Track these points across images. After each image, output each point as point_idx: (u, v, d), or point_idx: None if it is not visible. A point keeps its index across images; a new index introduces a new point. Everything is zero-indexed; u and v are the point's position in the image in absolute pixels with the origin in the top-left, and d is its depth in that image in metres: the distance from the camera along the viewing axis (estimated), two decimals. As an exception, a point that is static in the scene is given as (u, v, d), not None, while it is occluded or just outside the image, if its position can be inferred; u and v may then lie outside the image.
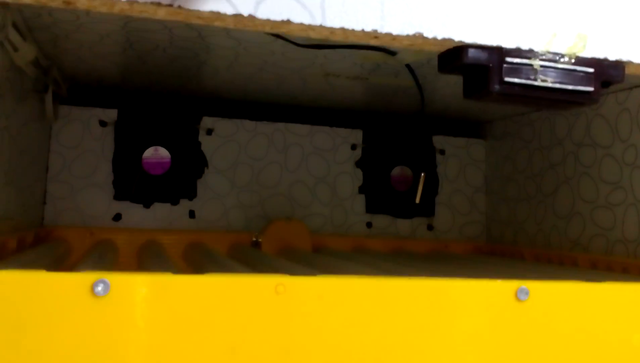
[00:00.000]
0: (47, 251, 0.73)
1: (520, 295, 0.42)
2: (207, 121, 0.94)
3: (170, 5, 0.32)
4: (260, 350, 0.37)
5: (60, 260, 0.77)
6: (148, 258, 0.72)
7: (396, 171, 1.03)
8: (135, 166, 0.90)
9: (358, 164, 1.02)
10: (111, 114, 0.90)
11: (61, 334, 0.34)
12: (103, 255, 0.72)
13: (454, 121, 1.07)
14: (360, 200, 1.01)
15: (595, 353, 0.44)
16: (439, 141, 1.05)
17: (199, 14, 0.33)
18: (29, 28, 0.63)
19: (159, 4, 0.32)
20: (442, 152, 1.05)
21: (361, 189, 1.01)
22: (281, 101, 0.97)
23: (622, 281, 0.62)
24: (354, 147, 1.02)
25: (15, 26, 0.58)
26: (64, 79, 0.81)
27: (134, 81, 0.87)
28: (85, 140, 0.89)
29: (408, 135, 1.04)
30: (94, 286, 0.34)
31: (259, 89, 0.89)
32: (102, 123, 0.90)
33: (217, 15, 0.33)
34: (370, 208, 1.02)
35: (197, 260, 0.78)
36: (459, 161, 1.06)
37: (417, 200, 0.75)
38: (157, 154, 0.91)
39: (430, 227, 1.04)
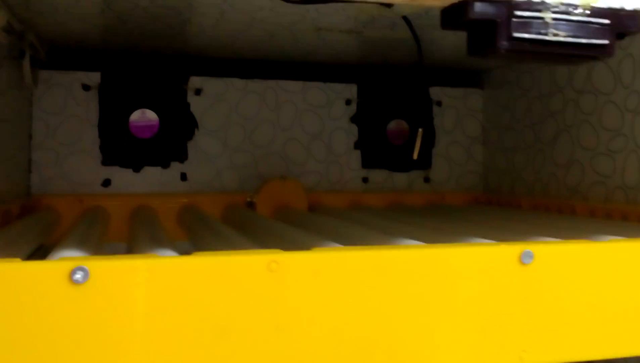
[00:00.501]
0: (35, 222, 0.70)
1: (524, 259, 0.40)
2: (195, 81, 0.91)
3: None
4: (254, 329, 0.35)
5: (49, 230, 0.74)
6: (139, 225, 0.70)
7: (392, 125, 1.01)
8: (123, 129, 0.87)
9: (353, 119, 0.99)
10: (94, 78, 0.86)
11: (41, 325, 0.32)
12: (93, 224, 0.69)
13: (451, 72, 1.04)
14: (356, 156, 0.99)
15: (603, 312, 0.42)
16: (435, 92, 1.02)
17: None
18: (-1, -9, 0.59)
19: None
20: (439, 103, 1.02)
21: (357, 145, 0.99)
22: (272, 58, 0.93)
23: (621, 228, 0.60)
24: (348, 102, 0.98)
25: (-16, -11, 0.55)
26: (42, 43, 0.77)
27: (116, 43, 0.83)
28: (69, 105, 0.85)
29: (404, 88, 1.01)
30: (72, 274, 0.32)
31: (248, 47, 0.85)
32: (85, 87, 0.86)
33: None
34: (367, 163, 0.99)
35: (190, 224, 0.76)
36: (456, 112, 1.03)
37: (415, 156, 0.73)
38: (144, 117, 0.88)
39: (427, 179, 1.02)
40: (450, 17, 0.36)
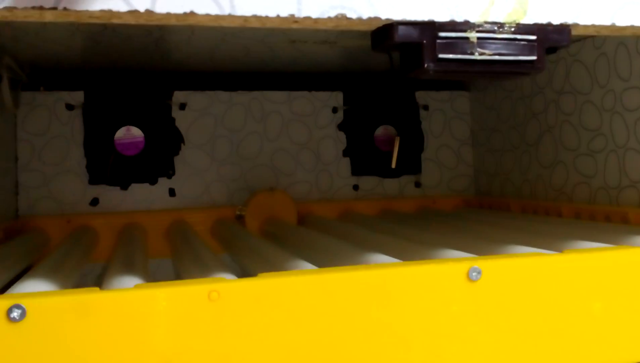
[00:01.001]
0: (22, 244, 0.72)
1: (472, 275, 0.40)
2: (179, 96, 0.92)
3: (55, 8, 0.30)
4: (199, 358, 0.35)
5: (37, 251, 0.76)
6: (120, 245, 0.71)
7: (380, 131, 1.01)
8: (108, 148, 0.88)
9: (340, 127, 0.99)
10: (77, 97, 0.87)
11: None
12: (75, 246, 0.70)
13: (436, 75, 1.04)
14: (345, 163, 0.99)
15: (556, 325, 0.42)
16: (421, 96, 1.02)
17: (89, 13, 0.30)
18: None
19: (41, 8, 0.29)
20: (426, 107, 1.02)
21: (345, 153, 0.99)
22: (254, 69, 0.94)
23: (605, 231, 0.60)
24: (335, 110, 0.99)
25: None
26: (21, 65, 0.79)
27: (96, 61, 0.84)
28: (53, 125, 0.87)
29: (390, 93, 1.01)
30: (8, 312, 0.32)
31: (227, 59, 0.86)
32: (69, 107, 0.87)
33: (111, 13, 0.30)
34: (356, 171, 0.99)
35: (174, 242, 0.77)
36: (443, 116, 1.03)
37: (393, 165, 0.73)
38: (129, 134, 0.89)
39: (417, 184, 1.02)
40: (379, 40, 0.36)
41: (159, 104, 0.91)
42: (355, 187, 1.00)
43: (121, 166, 0.89)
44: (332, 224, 0.82)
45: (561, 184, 0.82)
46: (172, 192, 0.91)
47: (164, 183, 0.91)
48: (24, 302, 0.33)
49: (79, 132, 0.87)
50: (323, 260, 0.58)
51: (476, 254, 0.47)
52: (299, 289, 0.37)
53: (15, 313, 0.32)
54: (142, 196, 0.90)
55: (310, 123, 0.98)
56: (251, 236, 0.73)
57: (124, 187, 0.89)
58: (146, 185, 0.90)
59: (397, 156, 0.72)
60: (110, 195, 0.89)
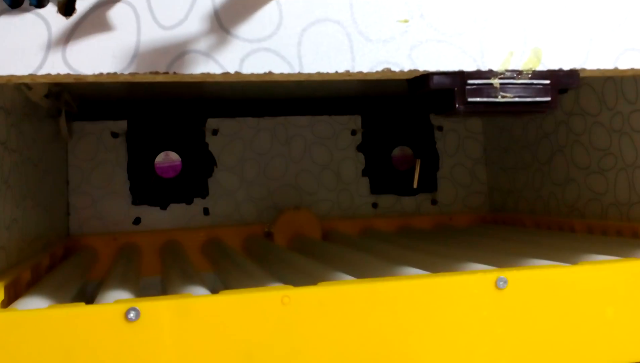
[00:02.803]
0: (76, 263, 0.79)
1: (499, 284, 0.47)
2: (211, 123, 1.00)
3: (167, 73, 0.37)
4: (273, 355, 0.43)
5: (88, 268, 0.83)
6: (170, 260, 0.78)
7: (396, 151, 1.08)
8: (149, 171, 0.96)
9: (359, 148, 1.06)
10: (121, 125, 0.95)
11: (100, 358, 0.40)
12: (129, 262, 0.78)
13: (448, 98, 1.11)
14: (365, 183, 1.06)
15: (572, 328, 0.49)
16: (436, 118, 1.09)
17: (191, 76, 0.38)
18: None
19: (156, 73, 0.37)
20: (440, 128, 1.10)
21: (364, 172, 1.06)
22: (280, 97, 1.01)
23: (617, 245, 0.66)
24: (354, 132, 1.06)
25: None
26: (74, 98, 0.86)
27: (140, 92, 0.92)
28: (100, 152, 0.94)
29: (405, 116, 1.08)
30: (126, 313, 0.40)
31: (258, 88, 0.93)
32: (114, 135, 0.95)
33: (208, 75, 0.38)
34: (375, 189, 1.07)
35: (214, 257, 0.84)
36: (457, 136, 1.10)
37: (415, 185, 0.80)
38: (168, 159, 0.97)
39: (434, 202, 1.09)
40: (415, 87, 0.44)
41: (194, 131, 0.99)
42: (375, 205, 1.07)
43: (161, 188, 0.96)
44: (354, 239, 0.89)
45: (573, 200, 0.88)
46: (206, 211, 0.99)
47: (199, 203, 0.99)
48: (138, 305, 0.40)
49: (123, 158, 0.95)
50: (353, 272, 0.65)
51: (496, 266, 0.54)
52: (354, 296, 0.44)
53: (132, 314, 0.40)
54: (179, 215, 0.98)
55: (331, 145, 1.05)
56: (282, 251, 0.80)
57: (164, 207, 0.97)
58: (183, 205, 0.98)
59: (418, 177, 0.80)
60: (151, 214, 0.96)
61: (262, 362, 0.42)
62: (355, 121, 1.07)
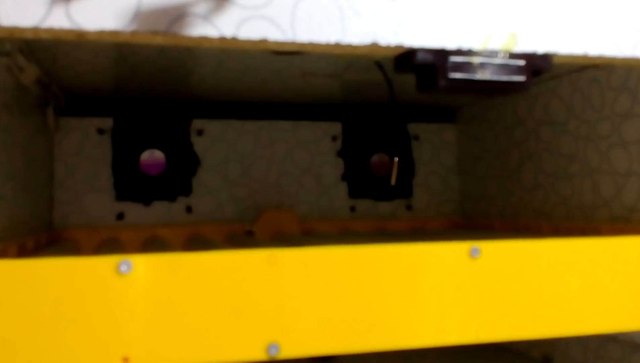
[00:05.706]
0: (58, 252, 0.80)
1: (473, 253, 0.50)
2: (197, 123, 1.02)
3: (166, 32, 0.40)
4: (258, 311, 0.45)
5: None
6: (151, 252, 0.79)
7: (375, 158, 1.11)
8: (134, 168, 0.98)
9: (339, 154, 1.09)
10: (107, 122, 0.97)
11: (91, 309, 0.42)
12: (107, 253, 0.79)
13: (426, 109, 1.15)
14: (343, 187, 1.09)
15: (540, 298, 0.52)
16: (412, 128, 1.13)
17: (189, 38, 0.40)
18: (31, 49, 0.70)
19: (156, 32, 0.39)
20: (417, 138, 1.13)
21: (343, 177, 1.09)
22: (264, 100, 1.04)
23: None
24: (334, 138, 1.09)
25: (20, 50, 0.65)
26: (62, 92, 0.88)
27: (127, 90, 0.94)
28: (85, 147, 0.96)
29: (384, 124, 1.12)
30: (119, 266, 0.41)
31: (243, 91, 0.96)
32: (100, 131, 0.97)
33: (205, 38, 0.41)
34: (353, 194, 1.09)
35: (196, 249, 0.85)
36: (432, 146, 1.14)
37: (393, 182, 0.83)
38: (153, 156, 0.99)
39: (409, 207, 1.12)
40: (401, 63, 0.47)
41: (180, 130, 1.01)
42: (352, 208, 1.10)
43: (144, 185, 0.98)
44: (334, 237, 0.92)
45: (541, 205, 0.92)
46: (189, 209, 1.01)
47: (182, 201, 1.00)
48: (131, 259, 0.42)
49: (108, 154, 0.97)
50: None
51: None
52: (338, 259, 0.47)
53: (124, 267, 0.41)
54: (163, 211, 0.99)
55: (312, 150, 1.08)
56: (265, 243, 0.82)
57: (147, 203, 0.98)
58: (166, 202, 1.00)
59: (396, 175, 0.83)
60: (134, 210, 0.98)
61: (248, 317, 0.44)
62: (336, 128, 1.10)
